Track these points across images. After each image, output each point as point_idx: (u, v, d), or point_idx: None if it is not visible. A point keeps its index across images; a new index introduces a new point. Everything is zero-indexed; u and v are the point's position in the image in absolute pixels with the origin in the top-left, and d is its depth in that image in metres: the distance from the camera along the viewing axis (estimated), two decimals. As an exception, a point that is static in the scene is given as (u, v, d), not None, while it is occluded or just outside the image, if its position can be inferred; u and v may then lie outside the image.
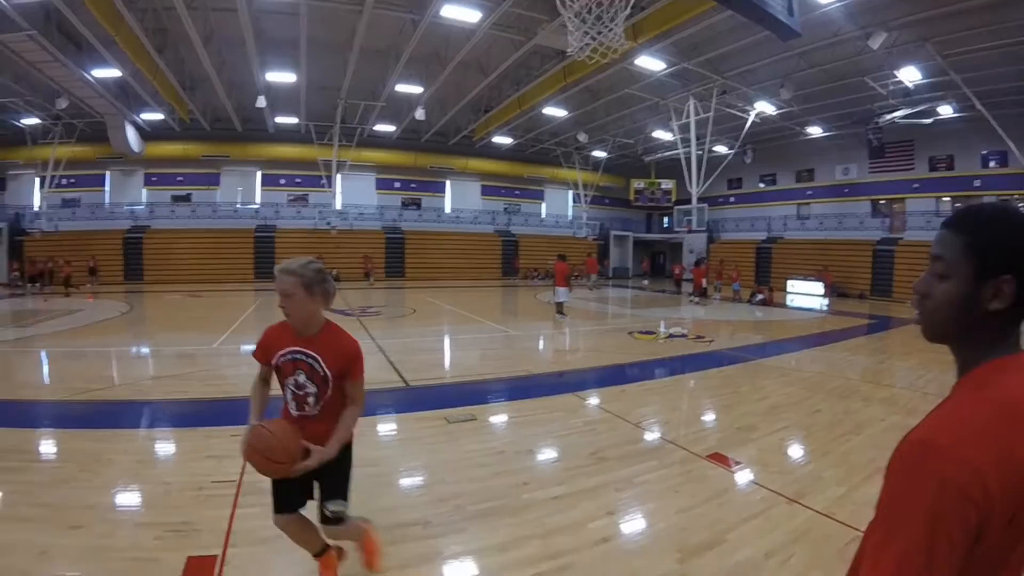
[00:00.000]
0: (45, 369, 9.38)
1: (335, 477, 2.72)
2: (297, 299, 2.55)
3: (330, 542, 2.99)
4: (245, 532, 3.60)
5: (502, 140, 31.75)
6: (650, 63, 18.89)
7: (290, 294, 2.54)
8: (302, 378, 2.61)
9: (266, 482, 4.26)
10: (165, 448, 5.36)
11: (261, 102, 22.50)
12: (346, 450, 2.72)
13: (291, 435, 2.51)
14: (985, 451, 0.86)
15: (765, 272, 31.32)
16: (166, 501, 4.03)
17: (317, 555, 2.97)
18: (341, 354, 2.63)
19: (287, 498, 2.71)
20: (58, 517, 3.73)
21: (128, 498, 4.16)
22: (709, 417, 6.79)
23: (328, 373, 2.60)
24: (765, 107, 23.46)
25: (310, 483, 2.72)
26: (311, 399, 2.64)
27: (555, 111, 25.42)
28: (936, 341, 1.08)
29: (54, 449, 5.37)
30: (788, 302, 23.77)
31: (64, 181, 27.56)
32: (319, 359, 2.59)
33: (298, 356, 2.61)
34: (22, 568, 3.11)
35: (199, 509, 3.89)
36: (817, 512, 3.97)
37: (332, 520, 2.73)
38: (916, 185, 26.70)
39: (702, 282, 22.17)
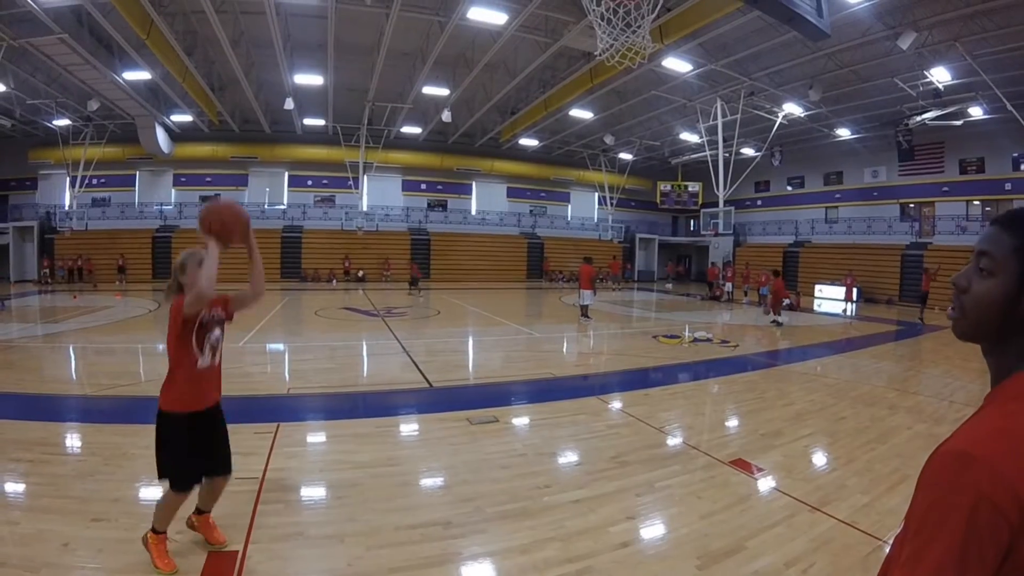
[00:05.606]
0: (73, 365, 9.63)
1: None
2: None
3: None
4: (266, 528, 3.69)
5: (529, 142, 31.75)
6: (677, 65, 18.74)
7: None
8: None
9: (291, 480, 4.34)
10: (190, 444, 5.45)
11: (289, 104, 22.79)
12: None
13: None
14: (1022, 467, 0.84)
15: (792, 276, 30.84)
16: (189, 496, 4.08)
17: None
18: None
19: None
20: (82, 509, 3.83)
21: (151, 492, 4.16)
22: (733, 423, 6.73)
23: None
24: (793, 109, 23.10)
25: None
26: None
27: (581, 113, 25.32)
28: (968, 340, 1.04)
29: (80, 443, 5.49)
30: (815, 307, 23.44)
31: (94, 181, 28.13)
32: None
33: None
34: (45, 559, 3.19)
35: (221, 505, 3.90)
36: (840, 521, 3.93)
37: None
38: (946, 188, 26.02)
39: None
